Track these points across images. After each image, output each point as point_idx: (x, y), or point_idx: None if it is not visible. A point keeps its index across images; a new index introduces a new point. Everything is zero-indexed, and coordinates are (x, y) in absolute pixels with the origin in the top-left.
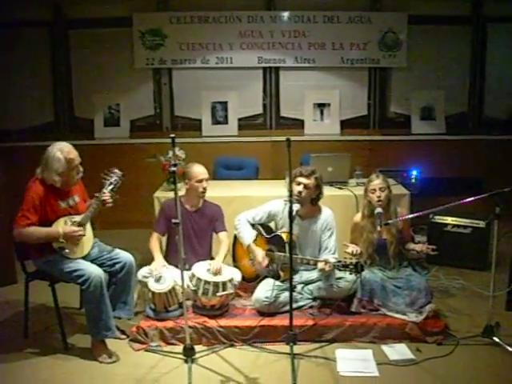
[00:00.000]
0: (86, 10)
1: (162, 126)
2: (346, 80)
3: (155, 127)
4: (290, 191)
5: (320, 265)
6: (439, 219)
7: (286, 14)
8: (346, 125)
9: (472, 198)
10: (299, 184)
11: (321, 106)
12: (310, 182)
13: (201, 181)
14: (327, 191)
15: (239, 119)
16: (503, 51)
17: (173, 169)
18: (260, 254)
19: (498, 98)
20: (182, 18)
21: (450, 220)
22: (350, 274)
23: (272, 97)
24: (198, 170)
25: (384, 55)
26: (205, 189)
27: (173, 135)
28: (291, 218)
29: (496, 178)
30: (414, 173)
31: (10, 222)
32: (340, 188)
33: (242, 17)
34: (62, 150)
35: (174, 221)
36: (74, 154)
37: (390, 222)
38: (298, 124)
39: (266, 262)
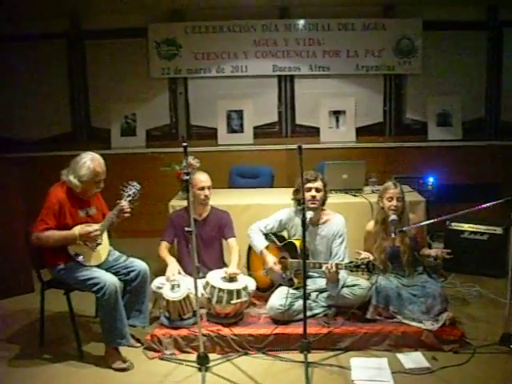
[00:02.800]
0: (102, 21)
1: (178, 135)
2: (362, 87)
3: (171, 136)
4: (303, 198)
5: (323, 267)
6: (456, 226)
7: (300, 22)
8: (361, 132)
9: (486, 205)
10: (310, 190)
11: (336, 114)
12: (319, 184)
13: (202, 188)
14: (342, 198)
15: (255, 127)
16: None
17: (186, 177)
18: (272, 259)
19: None
20: (196, 28)
21: (466, 227)
22: (362, 274)
23: (287, 105)
24: (200, 178)
25: (399, 62)
26: (206, 196)
27: (185, 144)
28: (304, 225)
29: None
30: (431, 179)
31: (26, 232)
32: (355, 195)
33: (256, 25)
34: (93, 161)
35: (186, 229)
36: (102, 168)
37: (404, 228)
38: (314, 132)
39: (278, 267)
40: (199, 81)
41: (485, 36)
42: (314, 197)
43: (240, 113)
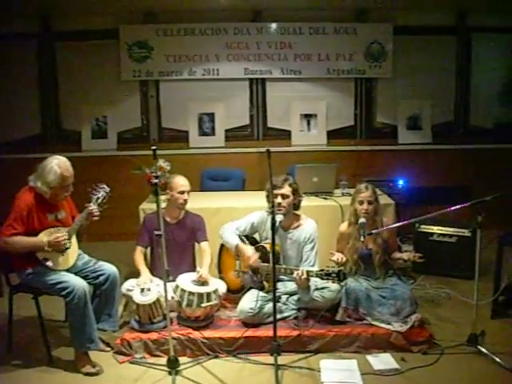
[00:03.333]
0: (73, 22)
1: (150, 138)
2: (333, 91)
3: (142, 139)
4: (273, 202)
5: (294, 274)
6: (425, 228)
7: (272, 26)
8: (332, 135)
9: (454, 207)
10: (276, 196)
11: (308, 117)
12: (286, 190)
13: (182, 192)
14: (312, 202)
15: (226, 130)
16: (488, 61)
17: (155, 181)
18: (249, 249)
19: (484, 107)
20: (168, 31)
21: (435, 229)
22: (333, 282)
23: (259, 108)
24: (180, 182)
25: (370, 66)
26: (185, 201)
27: (154, 147)
28: (273, 229)
29: (484, 186)
30: (401, 182)
31: None
32: (325, 198)
33: (228, 28)
34: (60, 166)
35: (156, 232)
36: (70, 172)
37: (373, 232)
38: (285, 135)
39: (256, 256)
40: (171, 83)
41: (454, 41)
42: (279, 204)
43: (211, 116)
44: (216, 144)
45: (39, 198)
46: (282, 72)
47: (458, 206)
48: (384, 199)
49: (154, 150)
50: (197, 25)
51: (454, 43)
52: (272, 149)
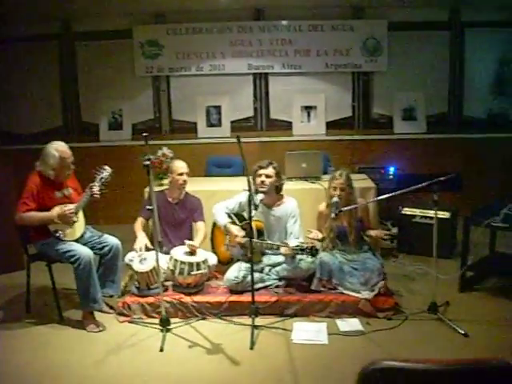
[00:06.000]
0: (91, 24)
1: (161, 129)
2: (331, 84)
3: (155, 130)
4: (249, 182)
5: (282, 249)
6: (408, 211)
7: (273, 24)
8: (331, 126)
9: (412, 188)
10: (261, 176)
11: (308, 109)
12: (270, 171)
13: (181, 174)
14: (301, 185)
15: (232, 122)
16: (480, 54)
17: (146, 163)
18: (236, 228)
19: (477, 98)
20: (177, 30)
21: (418, 212)
22: (307, 256)
23: (262, 101)
24: (179, 165)
25: (366, 60)
26: (184, 181)
27: (145, 134)
28: (250, 207)
29: (474, 174)
30: (392, 169)
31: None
32: (313, 182)
33: (232, 27)
34: (58, 149)
35: (147, 207)
36: (67, 153)
37: (342, 209)
38: (287, 126)
39: (242, 233)
40: (180, 79)
41: (447, 36)
42: (262, 182)
43: (218, 108)
44: (222, 134)
45: (45, 179)
46: (283, 67)
47: (415, 187)
48: (367, 183)
49: (146, 137)
50: (203, 24)
51: (447, 38)
52: (274, 138)
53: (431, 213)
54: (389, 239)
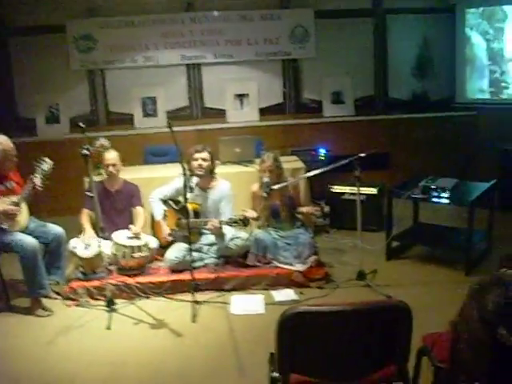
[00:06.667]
0: (25, 19)
1: (99, 122)
2: (262, 72)
3: (92, 122)
4: (183, 166)
5: (209, 224)
6: (337, 189)
7: (204, 15)
8: (264, 112)
9: (336, 165)
10: (197, 159)
11: (240, 97)
12: (205, 154)
13: (108, 165)
14: (235, 169)
15: (167, 112)
16: (402, 40)
17: (84, 152)
18: (166, 229)
19: (401, 81)
20: (110, 23)
21: (347, 189)
22: (240, 227)
23: (196, 90)
24: (107, 156)
25: (295, 48)
26: (111, 172)
27: (82, 125)
28: (185, 189)
29: (401, 152)
30: (322, 151)
31: None
32: (246, 166)
33: (164, 19)
34: (1, 143)
35: (88, 193)
36: (10, 146)
37: (273, 187)
38: (221, 113)
39: (170, 238)
40: (115, 71)
41: (371, 22)
42: (200, 165)
43: (153, 99)
44: (159, 124)
45: None
46: (215, 56)
47: (339, 163)
48: (297, 164)
49: (82, 128)
50: (135, 17)
51: (370, 24)
52: (209, 126)
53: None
54: (320, 216)
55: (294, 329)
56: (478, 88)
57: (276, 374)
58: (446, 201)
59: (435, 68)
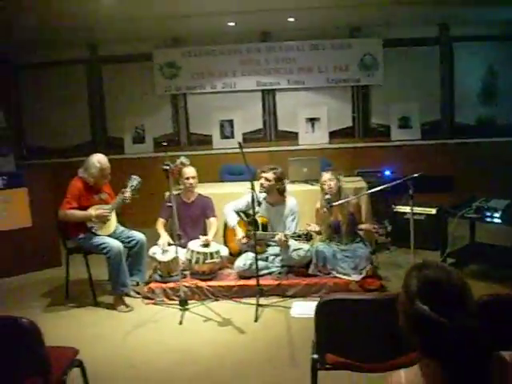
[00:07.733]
0: (116, 48)
1: (180, 142)
2: (333, 97)
3: (174, 143)
4: (252, 183)
5: (277, 237)
6: (400, 209)
7: (278, 44)
8: (334, 135)
9: (390, 184)
10: (261, 178)
11: (312, 120)
12: (270, 175)
13: (188, 178)
14: (302, 187)
15: (243, 133)
16: (468, 66)
17: (165, 167)
18: (240, 233)
19: (467, 106)
20: (192, 52)
21: (408, 209)
22: (303, 242)
23: (270, 114)
24: (186, 170)
25: (364, 75)
26: (191, 184)
27: (164, 143)
28: (253, 204)
29: (465, 176)
30: (387, 173)
31: (56, 223)
32: (312, 184)
33: (242, 48)
34: (99, 161)
35: (167, 204)
36: (107, 165)
37: (334, 204)
38: (293, 136)
39: (244, 240)
40: (196, 96)
41: (437, 50)
42: (261, 184)
43: (231, 122)
44: (235, 145)
45: (86, 184)
46: (288, 83)
47: (394, 183)
48: (360, 184)
49: (165, 146)
50: (216, 46)
51: (437, 52)
52: (281, 148)
53: (419, 209)
54: (383, 234)
55: (329, 314)
56: None
57: (316, 356)
58: (498, 220)
59: (502, 94)
